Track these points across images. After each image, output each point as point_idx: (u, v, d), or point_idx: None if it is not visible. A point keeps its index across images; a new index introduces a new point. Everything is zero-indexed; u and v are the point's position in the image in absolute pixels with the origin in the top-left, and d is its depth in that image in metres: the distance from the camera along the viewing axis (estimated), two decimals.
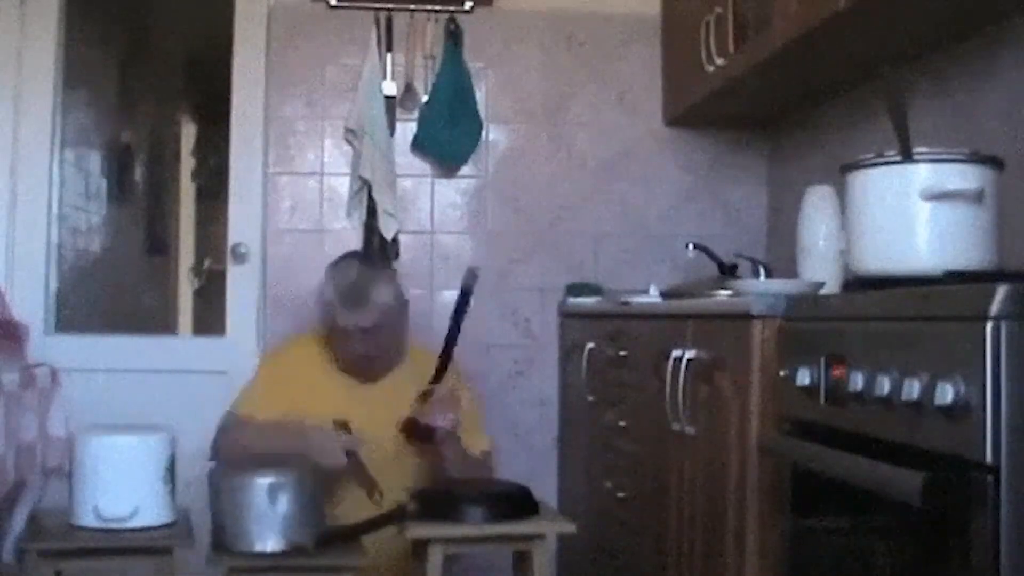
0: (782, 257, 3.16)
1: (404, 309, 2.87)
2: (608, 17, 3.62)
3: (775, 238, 3.56)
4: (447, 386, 2.73)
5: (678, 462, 2.38)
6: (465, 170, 3.57)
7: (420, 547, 2.38)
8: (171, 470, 2.40)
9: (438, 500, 2.39)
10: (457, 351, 3.30)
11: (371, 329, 2.72)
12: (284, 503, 2.24)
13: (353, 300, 2.71)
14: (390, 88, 3.50)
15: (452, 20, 3.52)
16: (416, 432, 2.70)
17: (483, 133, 3.54)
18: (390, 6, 3.50)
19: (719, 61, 3.00)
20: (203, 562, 2.29)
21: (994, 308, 1.32)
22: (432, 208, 3.57)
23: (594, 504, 3.07)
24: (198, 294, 3.96)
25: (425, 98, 3.50)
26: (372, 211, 3.42)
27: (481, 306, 3.56)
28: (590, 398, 3.11)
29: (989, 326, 1.32)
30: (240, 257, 3.51)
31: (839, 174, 2.05)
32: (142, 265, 4.05)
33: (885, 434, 1.53)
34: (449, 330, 2.79)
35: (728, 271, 3.11)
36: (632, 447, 2.76)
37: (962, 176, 1.88)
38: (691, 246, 3.19)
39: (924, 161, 1.89)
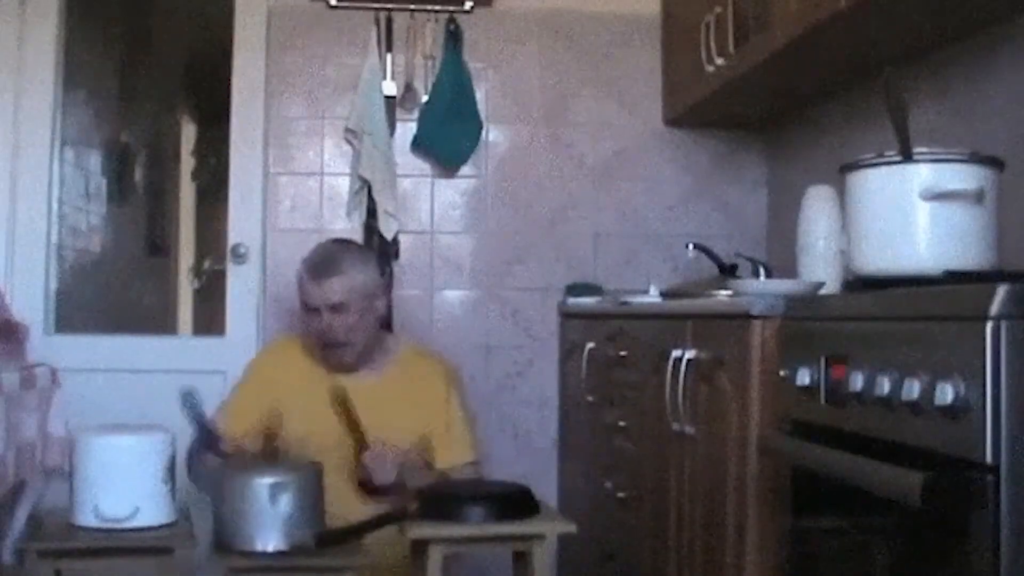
0: (782, 257, 3.16)
1: (377, 290, 2.81)
2: (608, 17, 3.62)
3: (775, 238, 3.56)
4: (376, 448, 2.64)
5: (678, 462, 2.38)
6: (465, 170, 3.57)
7: (420, 547, 2.37)
8: (171, 470, 2.39)
9: (438, 500, 2.39)
10: (456, 351, 3.31)
11: (339, 306, 2.70)
12: (285, 503, 2.24)
13: (321, 272, 2.70)
14: (390, 88, 3.50)
15: (452, 20, 3.52)
16: (369, 491, 2.65)
17: (483, 133, 3.54)
18: (390, 6, 3.51)
19: (719, 61, 3.00)
20: (203, 562, 2.29)
21: (994, 308, 1.32)
22: (432, 208, 3.57)
23: (594, 504, 3.07)
24: (198, 294, 3.96)
25: (425, 98, 3.50)
26: (372, 211, 3.42)
27: (481, 306, 3.57)
28: (590, 398, 3.11)
29: (989, 326, 1.32)
30: (240, 257, 3.51)
31: (839, 174, 2.05)
32: (142, 265, 4.05)
33: (885, 434, 1.53)
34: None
35: (728, 271, 3.11)
36: (632, 447, 2.76)
37: (962, 176, 1.88)
38: (691, 246, 3.19)
39: (924, 161, 1.89)
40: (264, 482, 2.25)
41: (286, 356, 2.88)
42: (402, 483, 2.61)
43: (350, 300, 2.71)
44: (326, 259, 2.74)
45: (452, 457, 2.79)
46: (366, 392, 2.79)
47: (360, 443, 2.63)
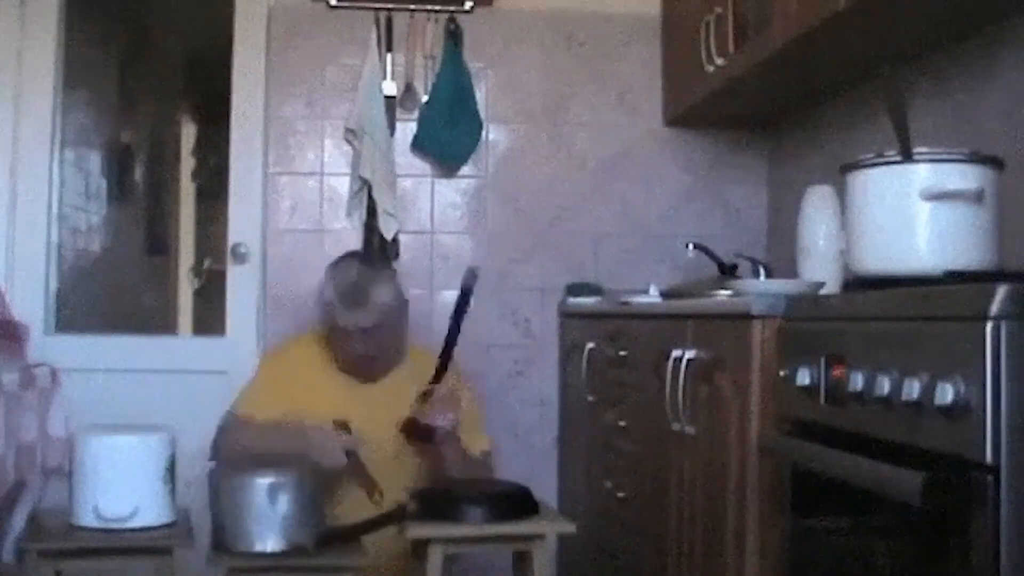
0: (782, 257, 3.16)
1: (404, 309, 2.86)
2: (608, 17, 3.62)
3: (775, 238, 3.56)
4: (447, 386, 2.73)
5: (678, 462, 2.38)
6: (465, 170, 3.57)
7: (420, 547, 2.38)
8: (171, 470, 2.40)
9: (438, 500, 2.39)
10: (457, 351, 3.31)
11: (371, 329, 2.72)
12: (284, 503, 2.24)
13: (353, 300, 2.71)
14: (390, 88, 3.50)
15: (452, 20, 3.52)
16: (416, 432, 2.70)
17: (483, 133, 3.54)
18: (390, 6, 3.50)
19: (719, 61, 3.00)
20: (203, 562, 2.29)
21: (994, 308, 1.32)
22: (432, 208, 3.57)
23: (594, 504, 3.07)
24: (198, 294, 3.96)
25: (425, 98, 3.50)
26: (372, 211, 3.42)
27: (481, 306, 3.56)
28: (590, 398, 3.11)
29: (989, 326, 1.32)
30: (240, 257, 3.51)
31: (839, 174, 2.05)
32: (142, 265, 4.05)
33: (885, 434, 1.53)
34: (449, 330, 2.78)
35: (728, 271, 3.11)
36: (632, 447, 2.76)
37: (962, 176, 1.88)
38: (691, 246, 3.19)
39: (924, 161, 1.89)
40: (263, 482, 2.25)
41: (304, 356, 2.88)
42: (455, 437, 2.69)
43: (382, 322, 2.74)
44: (357, 288, 2.73)
45: (471, 447, 2.81)
46: (383, 395, 2.80)
47: (422, 393, 2.70)
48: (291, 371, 2.85)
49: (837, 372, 1.68)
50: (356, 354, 2.76)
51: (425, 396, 2.71)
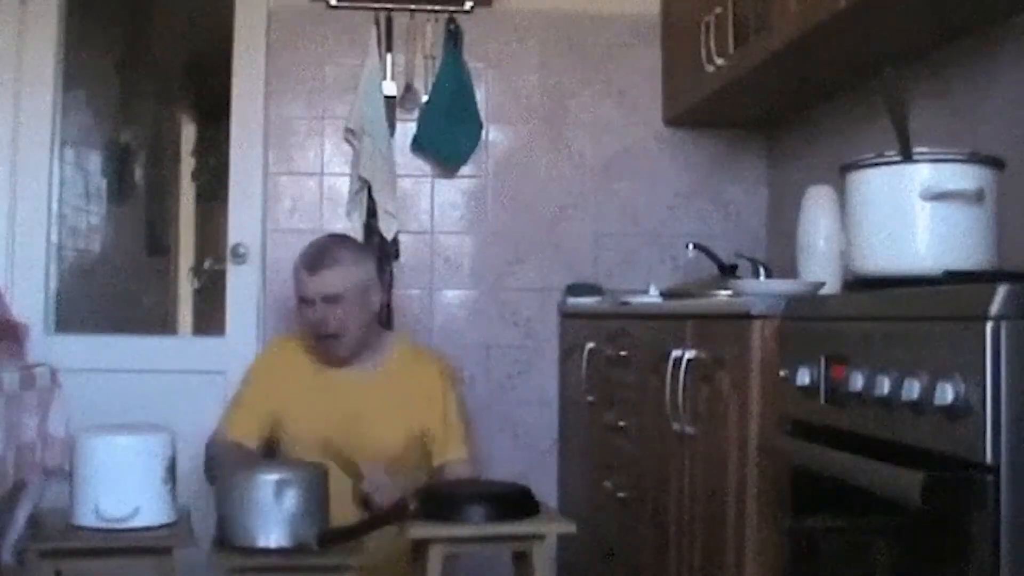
0: (782, 257, 3.16)
1: (371, 284, 2.83)
2: (608, 17, 3.62)
3: (775, 238, 3.56)
4: (372, 476, 2.57)
5: (678, 462, 2.38)
6: (465, 170, 3.57)
7: (420, 547, 2.37)
8: (171, 470, 2.39)
9: (438, 500, 2.39)
10: (456, 351, 3.32)
11: (333, 297, 2.72)
12: (290, 500, 2.24)
13: (316, 263, 2.74)
14: (390, 88, 3.50)
15: (452, 20, 3.52)
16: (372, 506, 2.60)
17: (483, 133, 3.54)
18: (390, 6, 3.51)
19: (719, 61, 3.00)
20: (204, 561, 2.29)
21: (994, 308, 1.32)
22: (432, 208, 3.57)
23: (594, 504, 3.07)
24: (198, 294, 3.96)
25: (425, 98, 3.50)
26: (372, 211, 3.42)
27: (481, 306, 3.57)
28: (590, 398, 3.11)
29: (989, 326, 1.32)
30: (240, 257, 3.51)
31: (839, 174, 2.05)
32: (142, 265, 4.05)
33: (885, 434, 1.53)
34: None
35: (728, 271, 3.11)
36: (632, 447, 2.76)
37: (962, 176, 1.88)
38: (691, 246, 3.19)
39: (924, 161, 1.89)
40: (269, 479, 2.25)
41: (284, 356, 2.89)
42: (403, 499, 2.57)
43: (344, 292, 2.73)
44: (322, 251, 2.78)
45: (448, 454, 2.80)
46: (360, 386, 2.80)
47: (356, 475, 2.58)
48: (272, 374, 2.85)
49: (837, 372, 1.68)
50: (319, 328, 2.75)
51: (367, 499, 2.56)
